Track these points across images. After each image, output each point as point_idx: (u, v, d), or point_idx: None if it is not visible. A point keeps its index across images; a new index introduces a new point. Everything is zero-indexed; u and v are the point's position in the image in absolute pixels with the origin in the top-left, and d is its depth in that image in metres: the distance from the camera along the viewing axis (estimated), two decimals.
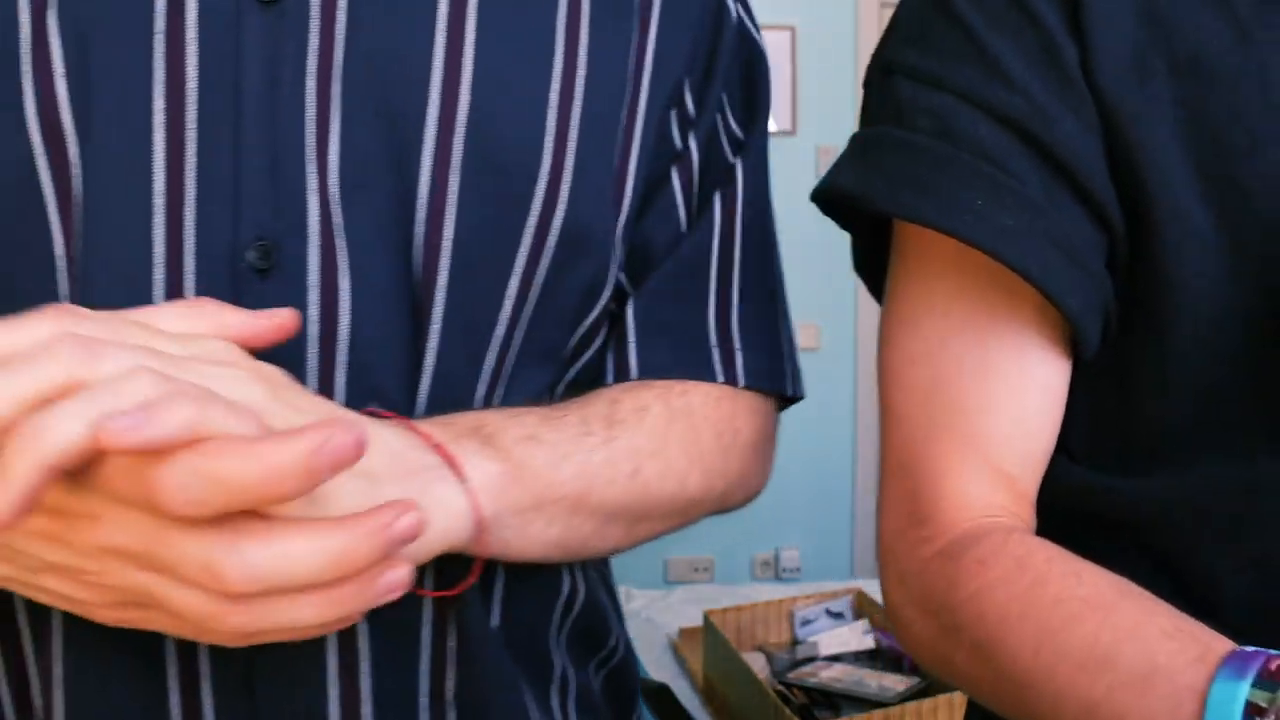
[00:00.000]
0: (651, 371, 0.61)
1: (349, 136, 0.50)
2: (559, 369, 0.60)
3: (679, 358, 0.61)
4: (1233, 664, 0.40)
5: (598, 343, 0.62)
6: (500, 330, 0.55)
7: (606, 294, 0.59)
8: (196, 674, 0.50)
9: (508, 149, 0.53)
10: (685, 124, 0.62)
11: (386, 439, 0.46)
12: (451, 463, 0.48)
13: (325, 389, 0.50)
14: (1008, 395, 0.54)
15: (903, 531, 0.55)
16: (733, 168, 0.64)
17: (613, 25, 0.57)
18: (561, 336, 0.58)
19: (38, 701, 0.51)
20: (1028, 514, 0.55)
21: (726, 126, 0.64)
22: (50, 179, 0.47)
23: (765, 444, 0.66)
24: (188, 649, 0.50)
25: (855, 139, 0.57)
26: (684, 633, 2.34)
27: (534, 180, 0.54)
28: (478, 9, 0.53)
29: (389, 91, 0.51)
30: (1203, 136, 0.50)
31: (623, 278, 0.62)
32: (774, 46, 3.08)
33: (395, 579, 0.41)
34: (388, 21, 0.51)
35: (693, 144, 0.62)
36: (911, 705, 1.78)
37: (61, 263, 0.48)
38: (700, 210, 0.63)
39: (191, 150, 0.48)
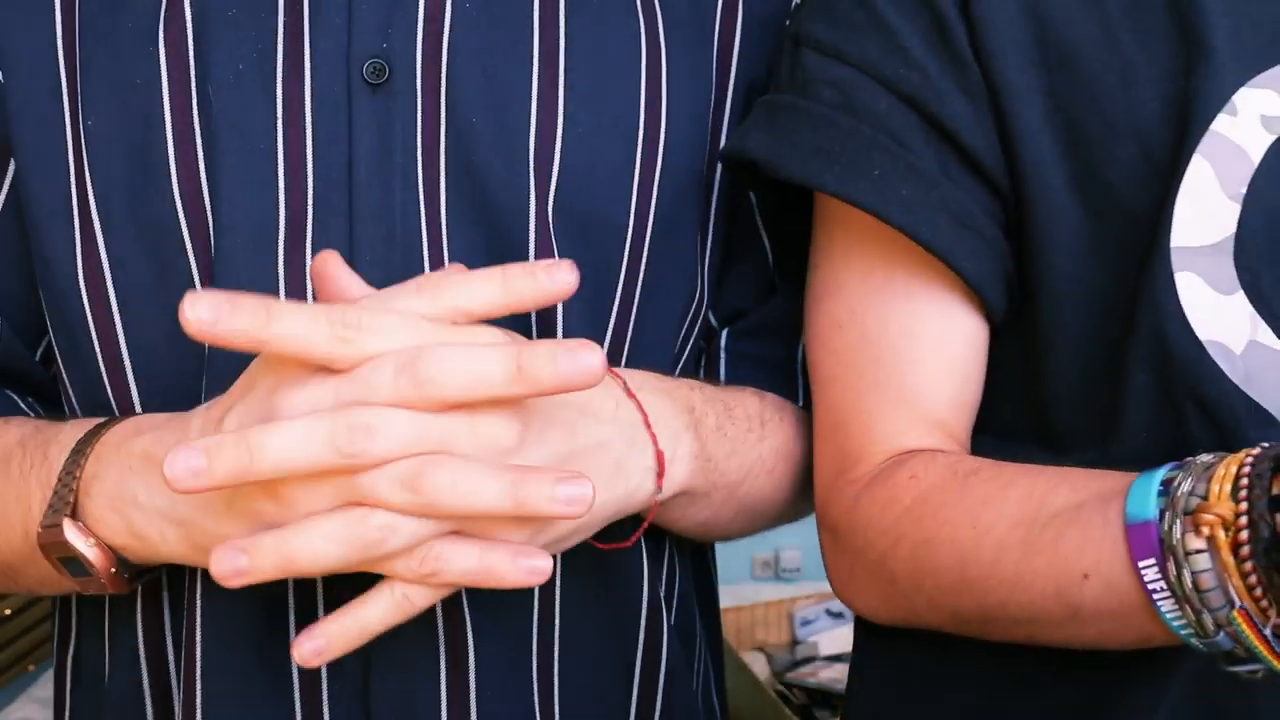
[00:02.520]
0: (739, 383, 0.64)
1: (455, 206, 0.55)
2: None
3: (764, 376, 0.65)
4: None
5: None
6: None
7: (696, 330, 0.64)
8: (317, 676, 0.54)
9: (595, 210, 0.58)
10: None
11: (611, 390, 0.51)
12: (654, 440, 0.52)
13: None
14: (934, 346, 0.56)
15: (832, 484, 0.57)
16: None
17: (690, 85, 0.61)
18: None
19: (176, 689, 0.56)
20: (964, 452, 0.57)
21: None
22: (192, 251, 0.54)
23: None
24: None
25: (762, 104, 0.59)
26: None
27: (622, 237, 0.58)
28: (565, 83, 0.57)
29: (489, 165, 0.55)
30: (1067, 125, 0.53)
31: (712, 317, 0.66)
32: None
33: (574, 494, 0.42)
34: (486, 98, 0.55)
35: None
36: None
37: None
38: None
39: (309, 224, 0.53)
